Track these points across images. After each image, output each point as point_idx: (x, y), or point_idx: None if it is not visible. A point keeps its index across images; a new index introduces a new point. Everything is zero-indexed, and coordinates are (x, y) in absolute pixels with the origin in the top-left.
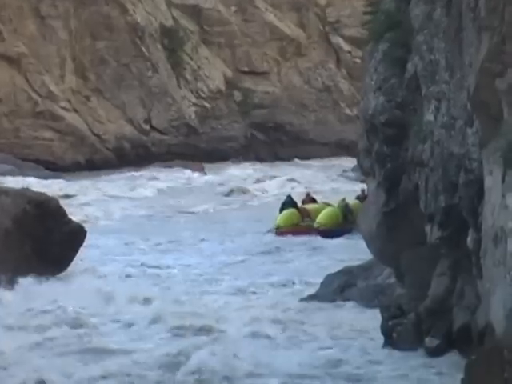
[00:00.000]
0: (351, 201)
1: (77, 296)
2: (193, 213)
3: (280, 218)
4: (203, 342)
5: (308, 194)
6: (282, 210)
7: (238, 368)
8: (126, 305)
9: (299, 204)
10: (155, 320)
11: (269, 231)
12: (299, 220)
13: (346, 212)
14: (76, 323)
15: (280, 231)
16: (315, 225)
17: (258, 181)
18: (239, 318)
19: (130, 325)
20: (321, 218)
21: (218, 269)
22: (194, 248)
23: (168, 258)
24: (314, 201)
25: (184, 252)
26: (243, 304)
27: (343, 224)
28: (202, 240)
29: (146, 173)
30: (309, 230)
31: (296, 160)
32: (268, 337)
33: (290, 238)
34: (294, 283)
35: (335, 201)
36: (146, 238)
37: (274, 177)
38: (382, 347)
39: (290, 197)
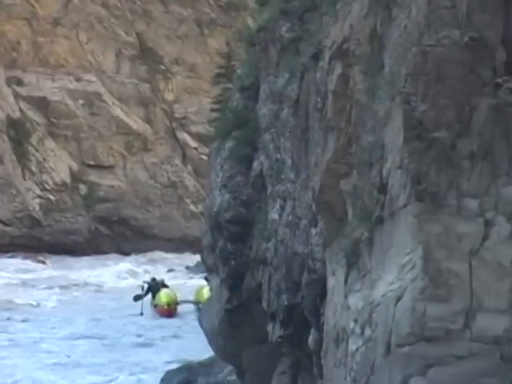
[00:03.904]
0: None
1: None
2: (38, 306)
3: (165, 296)
4: None
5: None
6: (149, 292)
7: None
8: None
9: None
10: None
11: (139, 315)
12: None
13: None
14: None
15: (170, 308)
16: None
17: (100, 273)
18: None
19: None
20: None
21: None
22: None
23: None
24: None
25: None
26: None
27: None
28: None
29: None
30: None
31: (140, 254)
32: None
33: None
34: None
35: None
36: None
37: (118, 270)
38: None
39: (154, 279)
